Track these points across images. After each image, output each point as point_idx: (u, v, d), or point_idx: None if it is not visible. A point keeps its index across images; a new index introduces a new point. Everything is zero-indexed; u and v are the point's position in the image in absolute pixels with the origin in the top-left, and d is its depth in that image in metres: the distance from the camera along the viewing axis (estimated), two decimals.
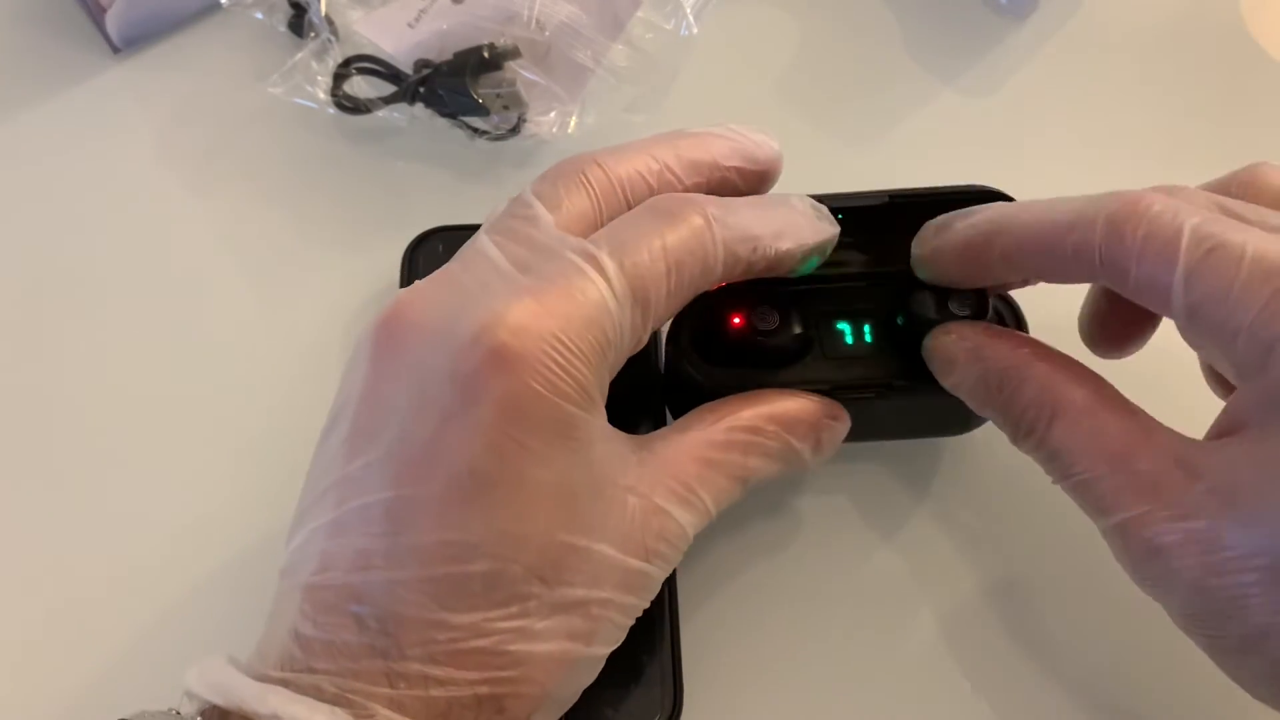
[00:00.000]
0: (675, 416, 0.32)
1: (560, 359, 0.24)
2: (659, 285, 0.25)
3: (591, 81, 0.38)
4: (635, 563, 0.25)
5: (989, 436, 0.33)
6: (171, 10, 0.41)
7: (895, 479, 0.33)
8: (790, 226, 0.28)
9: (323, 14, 0.38)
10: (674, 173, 0.28)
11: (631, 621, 0.26)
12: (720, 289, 0.29)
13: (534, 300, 0.24)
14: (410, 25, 0.39)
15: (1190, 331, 0.25)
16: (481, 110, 0.37)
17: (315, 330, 0.36)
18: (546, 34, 0.38)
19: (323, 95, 0.38)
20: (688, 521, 0.26)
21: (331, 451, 0.25)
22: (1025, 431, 0.27)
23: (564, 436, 0.24)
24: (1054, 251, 0.26)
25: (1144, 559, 0.25)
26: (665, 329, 0.31)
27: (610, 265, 0.25)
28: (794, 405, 0.28)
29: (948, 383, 0.29)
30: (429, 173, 0.39)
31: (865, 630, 0.31)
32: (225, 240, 0.37)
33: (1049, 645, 0.31)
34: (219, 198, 0.38)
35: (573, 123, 0.38)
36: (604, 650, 0.26)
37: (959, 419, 0.32)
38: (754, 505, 0.33)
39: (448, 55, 0.37)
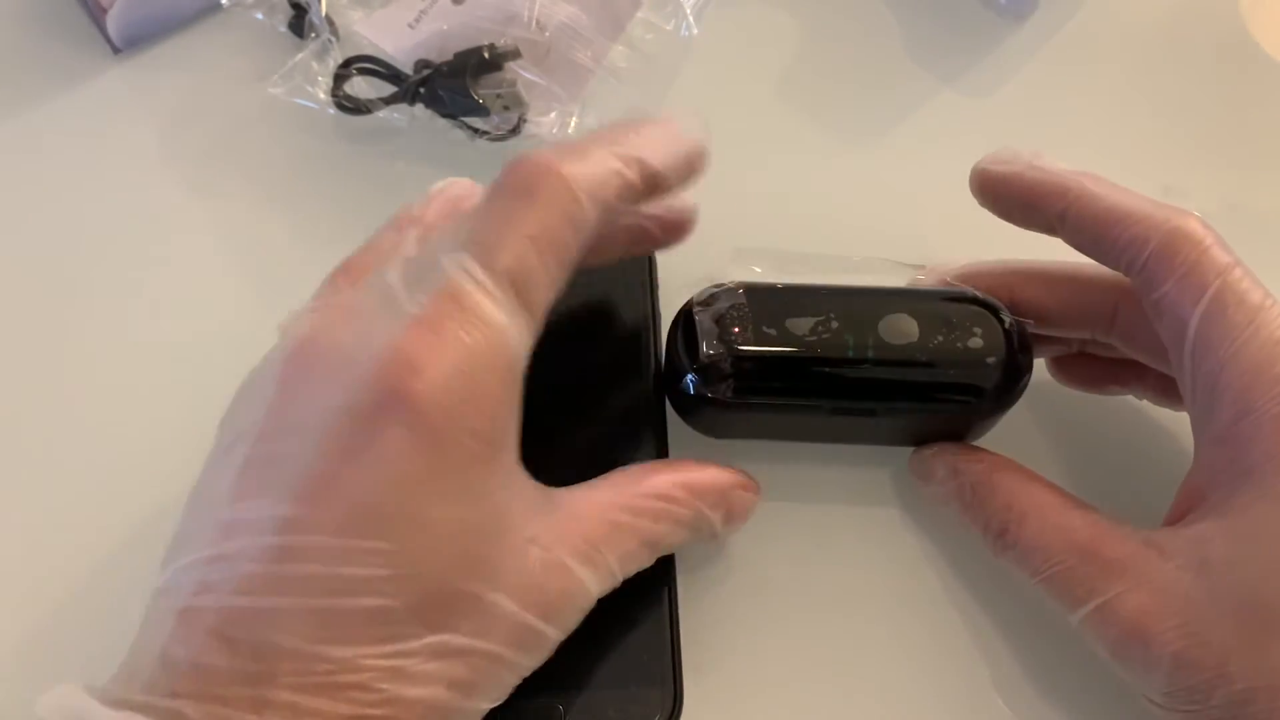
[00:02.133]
0: (683, 419, 0.32)
1: (461, 395, 0.23)
2: (538, 278, 0.24)
3: (591, 82, 0.38)
4: (531, 619, 0.24)
5: (990, 441, 0.33)
6: (172, 11, 0.41)
7: (896, 481, 0.34)
8: (652, 145, 0.26)
9: (323, 14, 0.38)
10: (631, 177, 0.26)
11: (518, 680, 0.25)
12: (721, 299, 0.30)
13: (432, 334, 0.23)
14: (411, 26, 0.39)
15: (1184, 368, 0.27)
16: (482, 111, 0.37)
17: None
18: (547, 35, 0.38)
19: (323, 95, 0.38)
20: (591, 581, 0.25)
21: (225, 476, 0.24)
22: (997, 532, 0.29)
23: (464, 477, 0.23)
24: (1109, 231, 0.28)
25: (1124, 640, 0.26)
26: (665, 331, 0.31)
27: (489, 281, 0.24)
28: (708, 475, 0.28)
29: (927, 492, 0.32)
30: (429, 173, 0.39)
31: (866, 630, 0.31)
32: (225, 240, 0.37)
33: (1051, 646, 0.31)
34: (219, 198, 0.38)
35: (573, 123, 0.38)
36: (484, 705, 0.24)
37: (958, 435, 0.32)
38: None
39: (448, 56, 0.37)
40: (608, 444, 0.32)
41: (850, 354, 0.30)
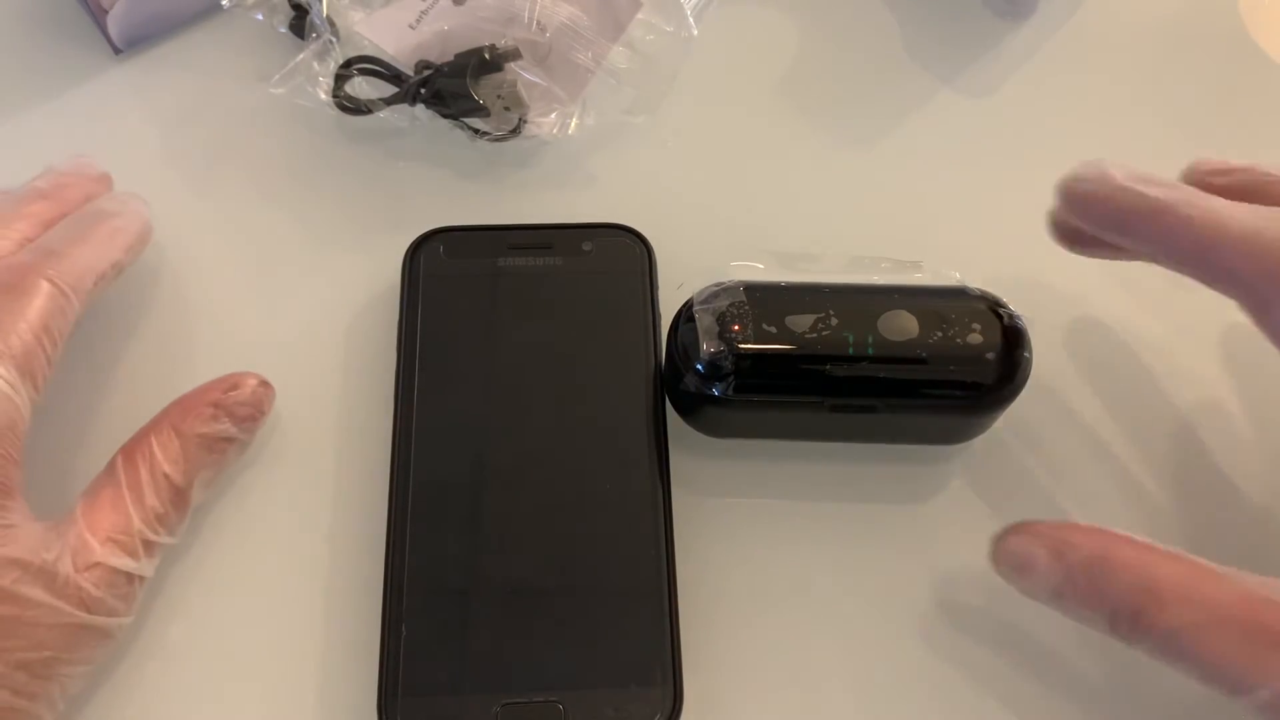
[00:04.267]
0: (683, 418, 0.32)
1: None
2: (38, 356, 0.29)
3: (592, 83, 0.38)
4: (80, 615, 0.27)
5: (991, 440, 0.33)
6: (173, 12, 0.41)
7: (897, 479, 0.34)
8: (114, 234, 0.32)
9: (324, 15, 0.38)
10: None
11: (90, 668, 0.29)
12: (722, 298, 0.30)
13: None
14: (411, 26, 0.39)
15: None
16: (482, 111, 0.37)
17: (315, 330, 0.36)
18: (547, 35, 0.38)
19: (324, 96, 0.38)
20: (121, 562, 0.28)
21: None
22: (1131, 617, 0.25)
23: None
24: (1209, 257, 0.27)
25: None
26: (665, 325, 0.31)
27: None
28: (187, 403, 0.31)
29: (1024, 586, 0.27)
30: (430, 173, 0.39)
31: (866, 630, 0.31)
32: (226, 241, 0.37)
33: (1053, 646, 0.31)
34: (220, 198, 0.38)
35: (573, 124, 0.38)
36: (55, 709, 0.28)
37: (958, 432, 0.32)
38: (754, 505, 0.33)
39: (449, 56, 0.38)
40: (608, 444, 0.32)
41: (850, 351, 0.30)
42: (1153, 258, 0.29)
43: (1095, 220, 0.30)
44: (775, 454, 0.34)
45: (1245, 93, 0.42)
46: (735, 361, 0.30)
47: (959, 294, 0.31)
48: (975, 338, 0.30)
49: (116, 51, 0.41)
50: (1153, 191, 0.28)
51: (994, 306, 0.30)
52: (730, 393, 0.30)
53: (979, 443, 0.33)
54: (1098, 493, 0.32)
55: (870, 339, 0.30)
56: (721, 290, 0.31)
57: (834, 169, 0.39)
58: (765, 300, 0.30)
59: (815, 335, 0.30)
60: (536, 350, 0.34)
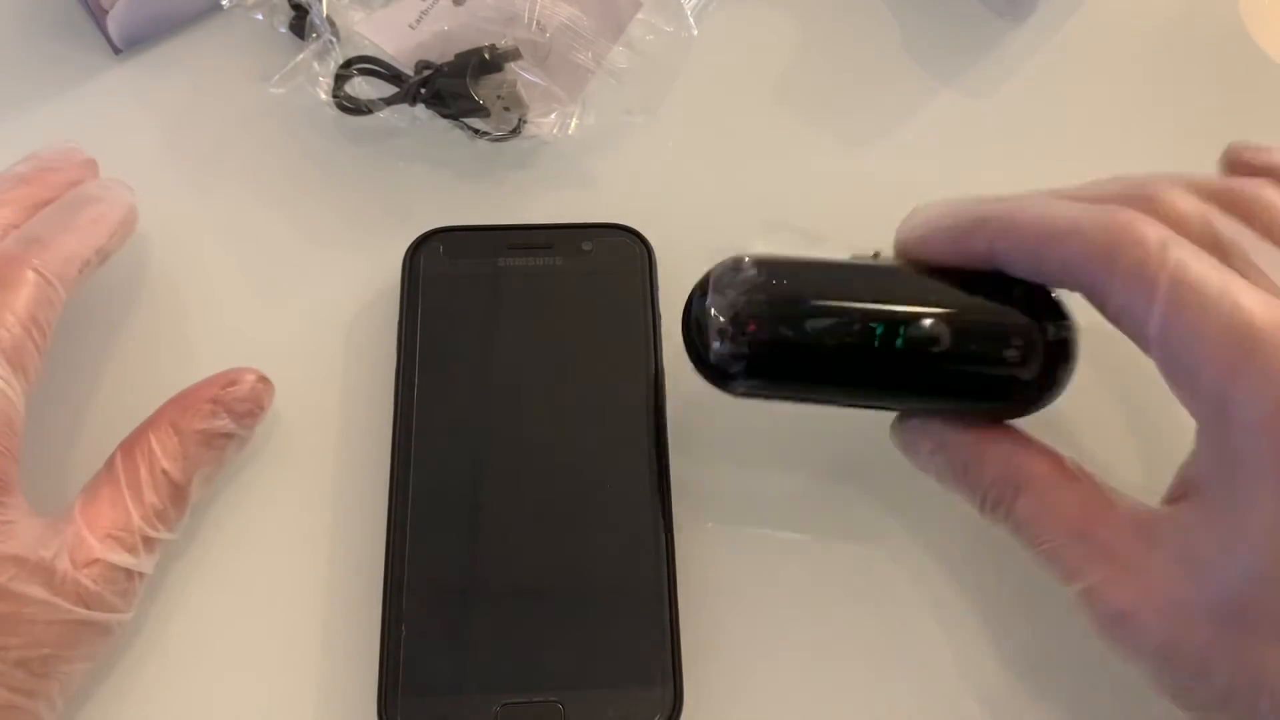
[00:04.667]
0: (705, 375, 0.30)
1: None
2: (28, 348, 0.29)
3: (592, 83, 0.38)
4: (79, 612, 0.27)
5: None
6: (172, 12, 0.41)
7: (897, 478, 0.33)
8: (98, 220, 0.32)
9: (324, 15, 0.38)
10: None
11: (89, 665, 0.29)
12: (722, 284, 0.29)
13: None
14: (411, 26, 0.39)
15: (1164, 374, 0.26)
16: (482, 111, 0.37)
17: (316, 330, 0.36)
18: (547, 35, 0.38)
19: (324, 96, 0.38)
20: (120, 558, 0.28)
21: None
22: (992, 505, 0.28)
23: None
24: (1042, 255, 0.27)
25: (1109, 625, 0.26)
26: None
27: None
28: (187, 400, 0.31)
29: (916, 465, 0.31)
30: (430, 173, 0.39)
31: (866, 630, 0.31)
32: (226, 240, 0.37)
33: (1054, 642, 0.31)
34: (220, 198, 0.38)
35: (573, 124, 0.38)
36: (54, 707, 0.28)
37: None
38: (754, 504, 0.33)
39: (449, 56, 0.38)
40: (608, 444, 0.32)
41: (878, 341, 0.28)
42: (991, 265, 0.28)
43: (942, 257, 0.29)
44: (775, 454, 0.34)
45: (1245, 93, 0.42)
46: (751, 345, 0.28)
47: (1006, 289, 0.28)
48: (1014, 354, 0.27)
49: (116, 51, 0.41)
50: (979, 203, 0.28)
51: (1041, 315, 0.28)
52: (744, 375, 0.29)
53: None
54: (1108, 455, 0.32)
55: (900, 328, 0.27)
56: (735, 272, 0.29)
57: (834, 169, 0.39)
58: (780, 283, 0.28)
59: (835, 319, 0.28)
60: (536, 350, 0.34)
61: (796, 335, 0.28)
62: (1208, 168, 0.30)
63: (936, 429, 0.30)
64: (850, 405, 0.30)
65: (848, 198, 0.39)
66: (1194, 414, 0.26)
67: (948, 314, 0.28)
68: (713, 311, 0.28)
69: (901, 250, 0.30)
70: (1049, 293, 0.28)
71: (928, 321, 0.28)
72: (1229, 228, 0.26)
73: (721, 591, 0.32)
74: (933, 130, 0.40)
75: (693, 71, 0.41)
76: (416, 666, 0.29)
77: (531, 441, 0.32)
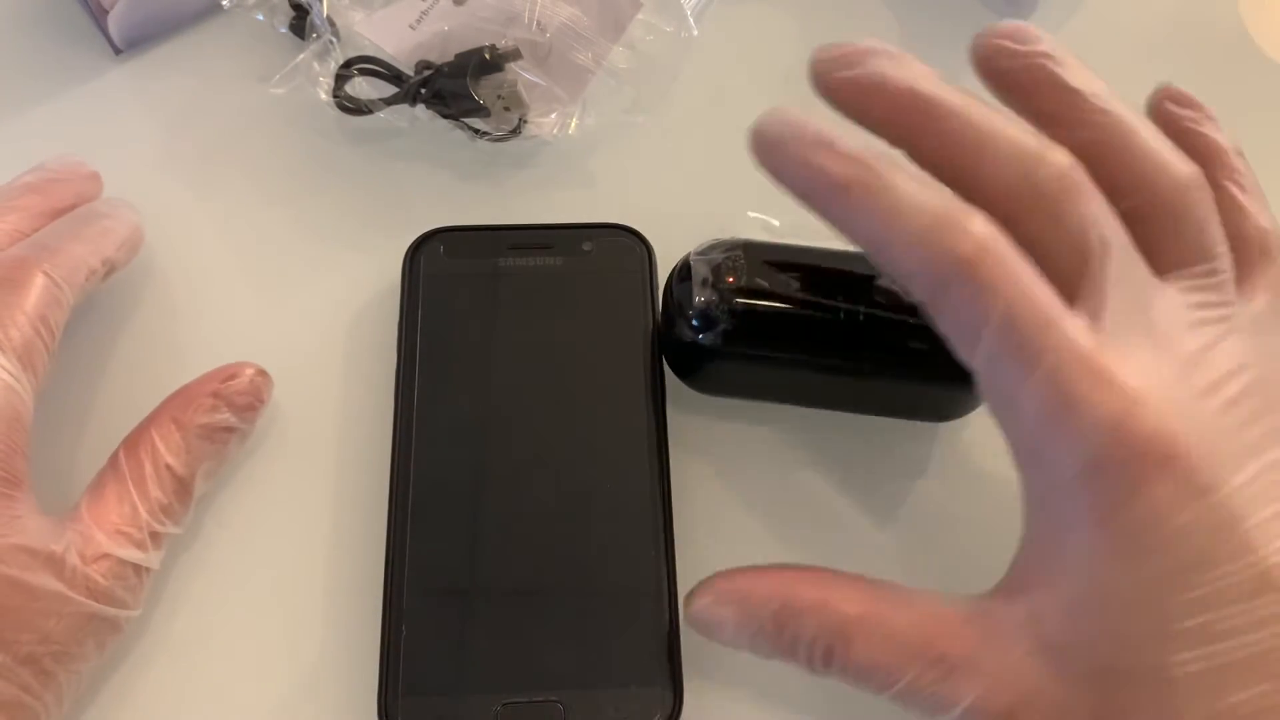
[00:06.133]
0: (675, 372, 0.33)
1: None
2: (37, 346, 0.29)
3: (592, 83, 0.38)
4: (91, 605, 0.27)
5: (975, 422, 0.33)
6: (173, 12, 0.41)
7: (896, 477, 0.34)
8: (105, 233, 0.33)
9: (324, 15, 0.38)
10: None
11: (96, 663, 0.29)
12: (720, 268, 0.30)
13: None
14: (412, 27, 0.39)
15: (998, 419, 0.25)
16: (482, 111, 0.37)
17: (316, 331, 0.36)
18: (547, 36, 0.38)
19: (324, 96, 0.38)
20: (129, 553, 0.29)
21: None
22: (823, 661, 0.26)
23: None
24: (885, 254, 0.25)
25: None
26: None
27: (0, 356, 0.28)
28: (187, 394, 0.31)
29: (724, 641, 0.27)
30: (430, 173, 0.39)
31: None
32: (226, 241, 0.37)
33: None
34: (220, 198, 0.38)
35: (573, 124, 0.38)
36: (61, 704, 0.28)
37: (949, 406, 0.32)
38: (755, 505, 0.33)
39: (449, 57, 0.38)
40: (608, 444, 0.32)
41: (841, 312, 0.30)
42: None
43: (782, 184, 0.26)
44: (775, 454, 0.34)
45: (1245, 93, 0.41)
46: (727, 312, 0.30)
47: None
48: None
49: (116, 51, 0.41)
50: (829, 167, 0.25)
51: None
52: (720, 343, 0.30)
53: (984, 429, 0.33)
54: None
55: (863, 301, 0.30)
56: (719, 244, 0.31)
57: None
58: (762, 256, 0.31)
59: (808, 292, 0.30)
60: (536, 350, 0.34)
61: (771, 283, 0.30)
62: None
63: (727, 585, 0.27)
64: (817, 372, 0.31)
65: None
66: (1021, 470, 0.25)
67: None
68: (698, 273, 0.30)
69: (751, 141, 0.27)
70: None
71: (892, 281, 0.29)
72: (1099, 238, 0.24)
73: None
74: None
75: (693, 71, 0.41)
76: (416, 666, 0.29)
77: (531, 441, 0.32)
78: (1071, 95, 0.27)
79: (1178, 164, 0.26)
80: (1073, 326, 0.23)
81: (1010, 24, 0.27)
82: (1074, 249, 0.24)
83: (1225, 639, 0.22)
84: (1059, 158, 0.25)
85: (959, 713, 0.24)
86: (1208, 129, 0.29)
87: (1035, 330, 0.23)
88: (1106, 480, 0.23)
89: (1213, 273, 0.26)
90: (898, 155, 0.26)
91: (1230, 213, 0.27)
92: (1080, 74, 0.27)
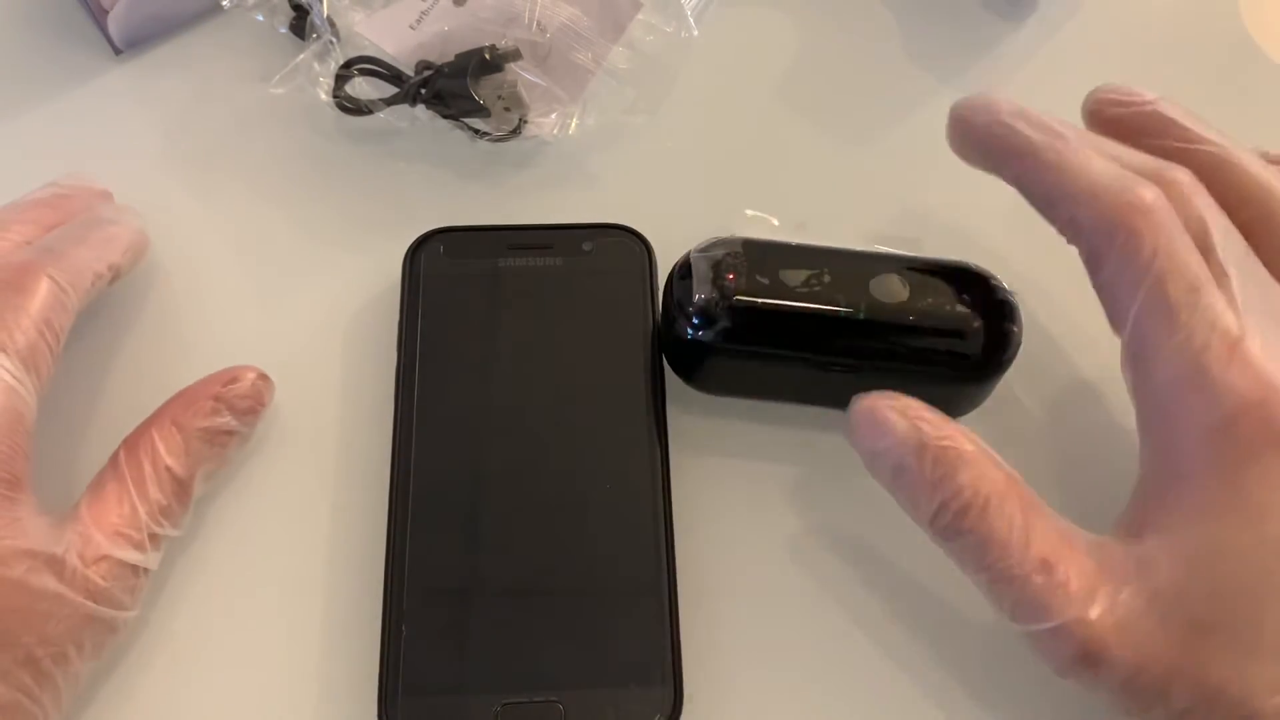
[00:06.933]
0: (675, 371, 0.33)
1: None
2: (41, 349, 0.29)
3: (592, 83, 0.38)
4: (90, 606, 0.27)
5: (992, 427, 0.33)
6: (173, 12, 0.41)
7: None
8: (110, 239, 0.33)
9: (324, 15, 0.38)
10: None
11: (95, 665, 0.28)
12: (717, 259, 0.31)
13: None
14: (412, 27, 0.39)
15: (1125, 359, 0.27)
16: (483, 111, 0.37)
17: (317, 330, 0.36)
18: (547, 36, 0.38)
19: (324, 96, 0.38)
20: (128, 555, 0.29)
21: None
22: (955, 514, 0.26)
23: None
24: (1054, 208, 0.28)
25: (1075, 662, 0.25)
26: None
27: (3, 359, 0.28)
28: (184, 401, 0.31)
29: (877, 447, 0.28)
30: (430, 174, 0.39)
31: (867, 628, 0.31)
32: (226, 241, 0.37)
33: None
34: (220, 198, 0.38)
35: (573, 124, 0.38)
36: (59, 707, 0.28)
37: (947, 405, 0.32)
38: (755, 504, 0.33)
39: (449, 57, 0.38)
40: (608, 444, 0.32)
41: (840, 310, 0.30)
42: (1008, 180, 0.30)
43: (968, 151, 0.30)
44: (776, 454, 0.34)
45: (1245, 93, 0.42)
46: (727, 310, 0.30)
47: (955, 267, 0.32)
48: (965, 309, 0.30)
49: (116, 52, 0.41)
50: (1024, 131, 0.29)
51: (987, 280, 0.31)
52: (720, 340, 0.31)
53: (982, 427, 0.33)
54: (1082, 477, 0.32)
55: (862, 299, 0.30)
56: (720, 242, 0.32)
57: (834, 169, 0.39)
58: (762, 254, 0.31)
59: (807, 290, 0.31)
60: (536, 350, 0.34)
61: (771, 281, 0.31)
62: None
63: (911, 407, 0.27)
64: (817, 369, 0.31)
65: (848, 197, 0.39)
66: (1144, 420, 0.27)
67: (907, 273, 0.31)
68: (699, 270, 0.31)
69: (950, 121, 0.31)
70: (991, 274, 0.31)
71: (889, 281, 0.31)
72: (1223, 233, 0.27)
73: (721, 591, 0.32)
74: (933, 130, 0.40)
75: (693, 71, 0.41)
76: (416, 666, 0.29)
77: (531, 441, 0.32)
78: (1182, 130, 0.30)
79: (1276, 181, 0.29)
80: (1219, 298, 0.26)
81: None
82: (1204, 246, 0.27)
83: None
84: (1180, 175, 0.28)
85: (1051, 626, 0.25)
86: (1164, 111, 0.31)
87: (1184, 292, 0.25)
88: (1236, 439, 0.25)
89: None
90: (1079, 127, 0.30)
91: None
92: (1188, 115, 0.31)
